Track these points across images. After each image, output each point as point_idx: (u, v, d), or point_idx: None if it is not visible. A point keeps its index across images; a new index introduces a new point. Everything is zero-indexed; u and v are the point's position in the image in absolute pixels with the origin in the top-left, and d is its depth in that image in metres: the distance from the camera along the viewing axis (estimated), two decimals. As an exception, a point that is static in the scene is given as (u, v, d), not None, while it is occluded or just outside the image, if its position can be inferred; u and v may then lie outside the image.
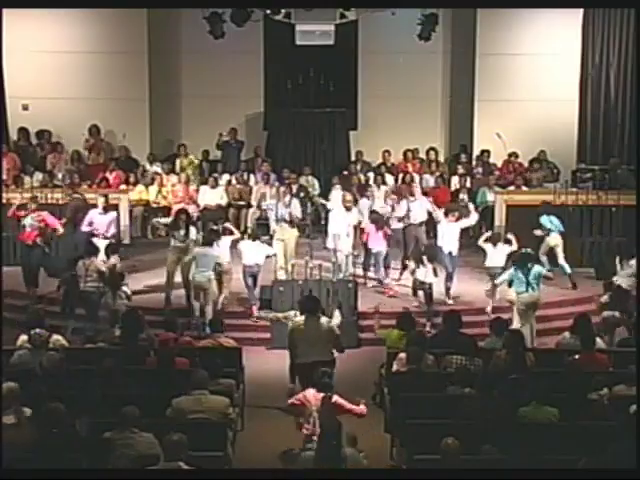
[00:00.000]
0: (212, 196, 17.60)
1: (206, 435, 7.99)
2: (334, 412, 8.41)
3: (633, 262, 12.78)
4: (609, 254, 15.48)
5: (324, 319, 9.96)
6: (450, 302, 13.38)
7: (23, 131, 18.70)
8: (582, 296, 14.01)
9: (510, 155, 18.34)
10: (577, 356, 9.79)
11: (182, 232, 13.26)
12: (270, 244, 14.00)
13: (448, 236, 13.60)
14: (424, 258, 12.86)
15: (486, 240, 13.53)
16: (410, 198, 14.68)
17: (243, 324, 12.90)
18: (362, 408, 8.71)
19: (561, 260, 14.63)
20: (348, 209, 14.24)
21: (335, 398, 8.57)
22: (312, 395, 8.61)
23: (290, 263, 13.66)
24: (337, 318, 10.42)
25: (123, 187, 17.58)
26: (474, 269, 14.56)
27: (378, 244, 13.94)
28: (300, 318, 10.02)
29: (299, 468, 7.55)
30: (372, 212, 14.55)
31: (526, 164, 18.38)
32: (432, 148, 18.96)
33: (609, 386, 8.75)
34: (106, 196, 14.93)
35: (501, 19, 18.51)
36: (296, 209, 14.72)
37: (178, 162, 18.62)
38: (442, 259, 13.51)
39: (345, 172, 17.95)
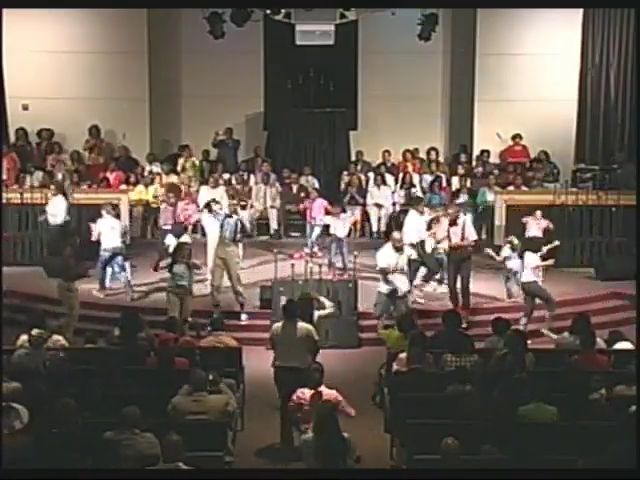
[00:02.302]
0: (212, 196, 17.56)
1: (206, 435, 7.99)
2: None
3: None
4: (609, 254, 15.54)
5: (302, 324, 9.65)
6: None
7: (21, 131, 18.69)
8: (582, 296, 14.01)
9: (514, 137, 18.39)
10: (576, 356, 9.79)
11: (183, 270, 12.29)
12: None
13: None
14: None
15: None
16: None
17: (243, 324, 12.91)
18: (352, 410, 8.67)
19: None
20: (398, 249, 12.29)
21: (331, 395, 8.59)
22: (306, 393, 8.63)
23: (238, 287, 12.95)
24: (330, 308, 10.48)
25: (123, 187, 17.59)
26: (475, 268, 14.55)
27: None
28: (278, 323, 9.85)
29: (299, 451, 7.54)
30: (530, 239, 13.77)
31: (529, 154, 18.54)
32: (433, 148, 18.97)
33: (608, 386, 8.75)
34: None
35: (501, 19, 18.52)
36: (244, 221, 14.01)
37: (180, 162, 18.60)
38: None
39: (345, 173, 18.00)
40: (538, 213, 15.05)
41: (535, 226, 14.92)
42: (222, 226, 13.15)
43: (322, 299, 10.74)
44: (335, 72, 19.27)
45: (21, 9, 17.31)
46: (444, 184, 17.69)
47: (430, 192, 17.16)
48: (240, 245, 13.76)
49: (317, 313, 10.17)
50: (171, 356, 9.60)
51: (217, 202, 14.14)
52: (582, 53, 18.47)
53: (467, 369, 9.19)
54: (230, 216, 13.33)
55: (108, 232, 13.91)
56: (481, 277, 14.15)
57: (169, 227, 14.95)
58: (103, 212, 14.15)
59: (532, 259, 12.72)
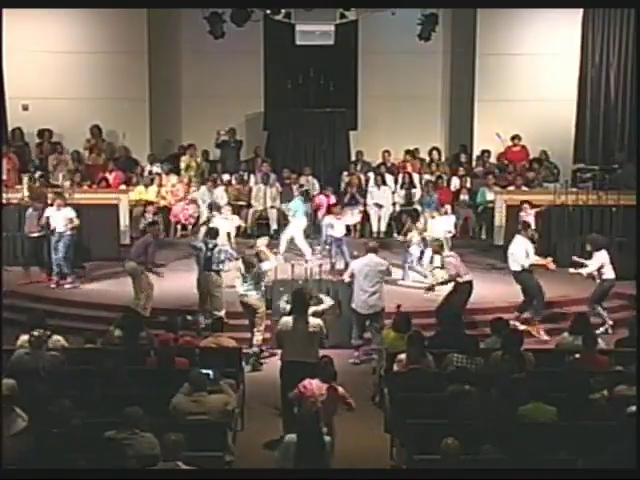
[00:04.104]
0: (212, 196, 17.58)
1: (206, 435, 7.99)
2: (335, 402, 8.55)
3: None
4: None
5: (313, 319, 9.75)
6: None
7: (18, 131, 18.66)
8: (582, 296, 13.98)
9: (513, 138, 18.41)
10: (577, 356, 9.79)
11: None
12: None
13: None
14: None
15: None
16: None
17: (243, 324, 12.89)
18: (352, 401, 8.79)
19: None
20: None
21: (340, 389, 8.66)
22: (316, 385, 8.63)
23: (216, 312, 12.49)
24: (327, 303, 10.50)
25: (123, 187, 17.59)
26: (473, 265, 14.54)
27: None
28: (288, 318, 9.86)
29: (283, 454, 7.59)
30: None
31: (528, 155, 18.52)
32: (435, 148, 18.98)
33: (609, 386, 8.75)
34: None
35: (501, 19, 18.53)
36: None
37: (185, 159, 18.57)
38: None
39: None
40: (526, 206, 15.04)
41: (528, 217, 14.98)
42: (207, 257, 12.76)
43: (321, 296, 10.75)
44: (335, 72, 19.26)
45: (21, 9, 17.32)
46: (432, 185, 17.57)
47: (425, 193, 17.18)
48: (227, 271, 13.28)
49: (312, 308, 10.18)
50: (171, 356, 9.60)
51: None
52: (582, 53, 18.47)
53: (469, 370, 9.19)
54: (212, 248, 12.90)
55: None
56: (482, 278, 14.11)
57: (35, 234, 14.67)
58: (55, 205, 14.40)
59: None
